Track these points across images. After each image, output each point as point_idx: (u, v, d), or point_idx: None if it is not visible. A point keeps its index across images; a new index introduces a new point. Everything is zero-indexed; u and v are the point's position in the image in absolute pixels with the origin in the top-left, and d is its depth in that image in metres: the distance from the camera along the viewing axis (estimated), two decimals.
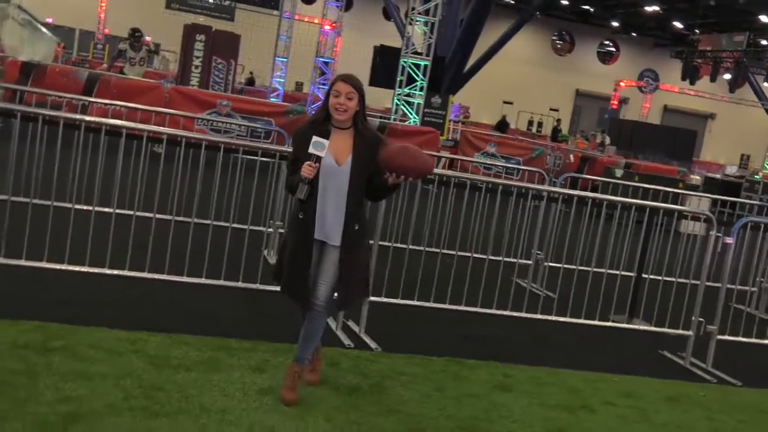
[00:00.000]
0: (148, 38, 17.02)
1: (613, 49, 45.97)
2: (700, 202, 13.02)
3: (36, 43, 19.57)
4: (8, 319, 4.65)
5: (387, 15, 29.39)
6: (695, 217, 7.72)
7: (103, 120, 5.63)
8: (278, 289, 4.39)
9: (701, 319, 6.22)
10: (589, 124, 41.61)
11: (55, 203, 5.64)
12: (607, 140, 26.65)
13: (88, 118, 5.58)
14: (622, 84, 38.99)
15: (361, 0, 39.37)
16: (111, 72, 15.40)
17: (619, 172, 15.91)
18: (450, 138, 18.88)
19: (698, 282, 6.38)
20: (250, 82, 29.94)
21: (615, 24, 41.55)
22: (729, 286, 6.57)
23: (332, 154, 4.08)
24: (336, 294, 4.26)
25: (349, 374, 4.77)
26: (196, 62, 17.04)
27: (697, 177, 18.57)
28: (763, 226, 7.26)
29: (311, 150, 4.00)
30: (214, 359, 4.60)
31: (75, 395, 3.84)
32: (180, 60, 18.48)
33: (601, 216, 7.15)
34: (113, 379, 4.11)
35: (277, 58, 23.52)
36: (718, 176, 23.27)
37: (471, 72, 27.76)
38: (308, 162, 4.01)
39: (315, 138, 4.01)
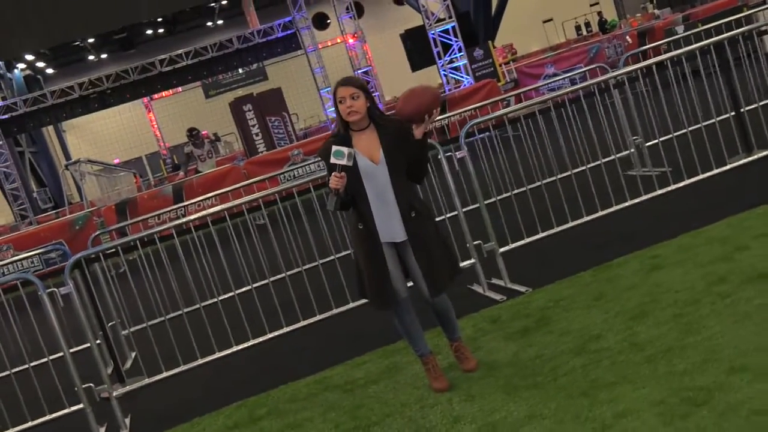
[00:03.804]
0: (204, 131, 17.86)
1: None
2: None
3: (117, 184, 20.91)
4: (213, 411, 5.15)
5: (397, 0, 29.49)
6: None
7: (206, 211, 6.10)
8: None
9: None
10: (635, 2, 40.19)
11: (202, 303, 6.17)
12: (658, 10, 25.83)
13: (195, 216, 6.06)
14: None
15: (369, 1, 39.64)
16: (188, 176, 16.23)
17: (680, 29, 15.46)
18: (509, 80, 18.83)
19: None
20: None
21: None
22: None
23: (365, 155, 4.08)
24: (425, 284, 4.19)
25: (513, 321, 5.00)
26: (255, 130, 17.74)
27: None
28: None
29: (333, 160, 3.98)
30: (392, 364, 4.93)
31: None
32: (240, 135, 19.25)
33: (674, 76, 7.10)
34: (319, 416, 4.49)
35: (321, 91, 24.07)
36: None
37: (500, 11, 27.56)
38: (334, 173, 4.00)
39: (334, 147, 3.98)
